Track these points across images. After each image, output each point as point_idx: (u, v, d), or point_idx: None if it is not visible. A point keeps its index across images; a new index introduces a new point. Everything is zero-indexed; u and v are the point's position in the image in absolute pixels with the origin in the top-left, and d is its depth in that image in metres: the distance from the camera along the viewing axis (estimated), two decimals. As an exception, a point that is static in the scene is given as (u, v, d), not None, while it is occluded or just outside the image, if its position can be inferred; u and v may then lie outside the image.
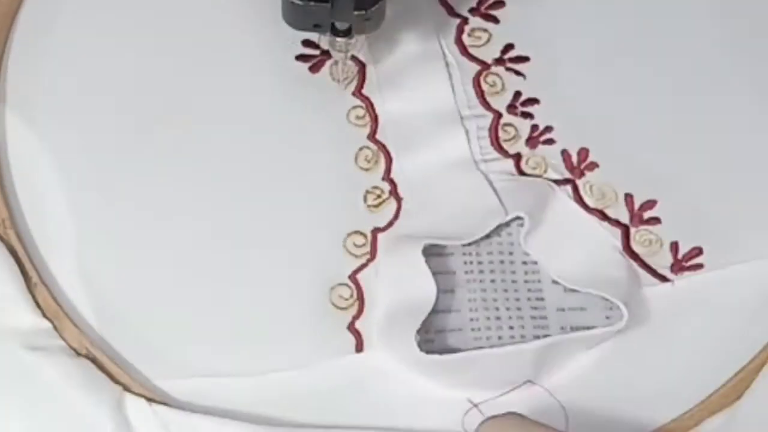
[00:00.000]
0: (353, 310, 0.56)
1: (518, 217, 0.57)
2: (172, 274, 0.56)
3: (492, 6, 0.63)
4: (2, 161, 0.58)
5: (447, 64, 0.62)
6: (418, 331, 0.55)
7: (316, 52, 0.62)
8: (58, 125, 0.59)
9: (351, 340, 0.56)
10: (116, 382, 0.53)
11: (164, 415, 0.52)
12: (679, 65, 0.62)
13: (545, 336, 0.55)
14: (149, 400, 0.53)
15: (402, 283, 0.56)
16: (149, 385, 0.54)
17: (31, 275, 0.55)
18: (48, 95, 0.59)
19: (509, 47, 0.62)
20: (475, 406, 0.54)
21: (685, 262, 0.58)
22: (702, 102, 0.61)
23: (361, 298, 0.56)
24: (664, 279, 0.57)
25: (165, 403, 0.53)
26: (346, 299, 0.56)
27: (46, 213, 0.57)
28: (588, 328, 0.56)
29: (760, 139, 0.60)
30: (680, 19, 0.62)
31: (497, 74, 0.62)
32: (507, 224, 0.58)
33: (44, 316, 0.54)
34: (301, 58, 0.62)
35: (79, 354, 0.54)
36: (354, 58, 0.61)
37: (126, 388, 0.53)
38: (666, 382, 0.55)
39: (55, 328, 0.54)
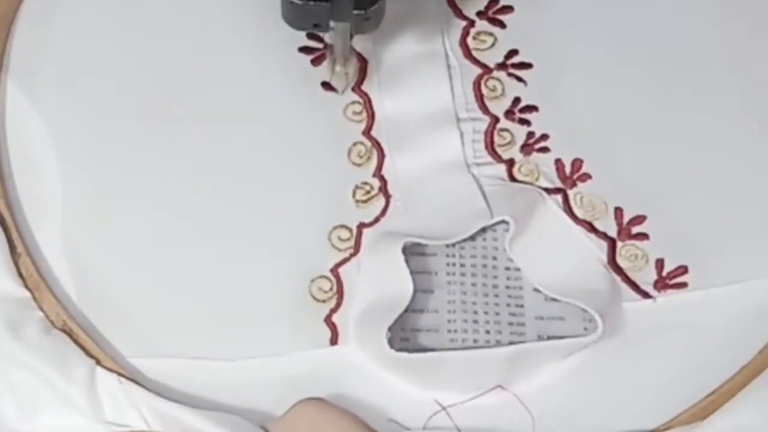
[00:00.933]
0: (332, 303, 0.60)
1: (504, 222, 0.60)
2: (156, 256, 0.61)
3: (500, 10, 0.67)
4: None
5: (449, 66, 0.65)
6: (393, 329, 0.59)
7: (320, 45, 0.65)
8: (57, 100, 0.64)
9: (327, 332, 0.60)
10: (90, 356, 0.57)
11: (134, 395, 0.56)
12: (684, 84, 0.66)
13: (521, 342, 0.58)
14: (120, 375, 0.56)
15: (380, 280, 0.60)
16: (123, 363, 0.58)
17: (17, 245, 0.60)
18: (51, 69, 0.64)
19: (513, 53, 0.66)
20: (444, 409, 0.57)
21: (669, 279, 0.61)
22: (702, 122, 0.64)
23: (340, 292, 0.60)
24: (646, 295, 0.61)
25: (136, 381, 0.57)
26: (326, 292, 0.60)
27: (38, 185, 0.62)
28: (565, 337, 0.58)
29: (756, 163, 0.63)
30: (686, 38, 0.66)
31: (498, 79, 0.65)
32: (493, 229, 0.62)
33: (25, 286, 0.58)
34: (304, 50, 0.65)
35: (55, 326, 0.58)
36: (357, 54, 0.65)
37: (99, 363, 0.56)
38: (636, 397, 0.59)
39: (34, 298, 0.58)
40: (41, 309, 0.58)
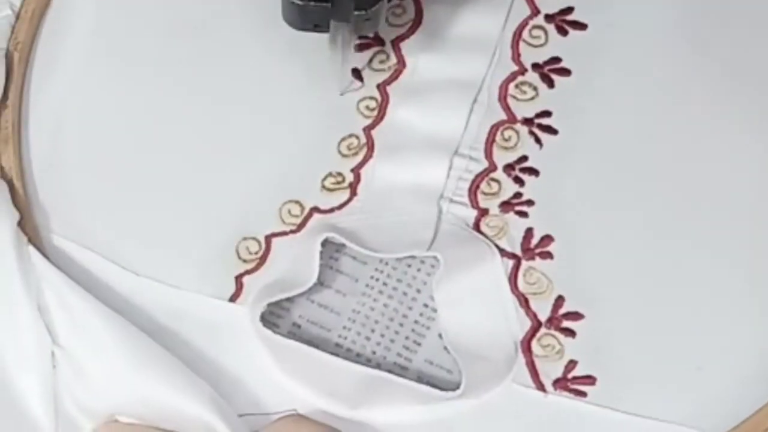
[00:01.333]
0: (250, 266, 0.63)
1: (435, 258, 0.61)
2: (125, 159, 0.65)
3: (557, 70, 0.67)
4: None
5: (476, 101, 0.66)
6: (292, 312, 0.62)
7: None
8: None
9: (231, 288, 0.62)
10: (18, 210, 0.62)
11: (33, 257, 0.60)
12: (695, 213, 0.64)
13: (398, 375, 0.59)
14: (30, 240, 0.61)
15: (294, 262, 0.62)
16: (45, 234, 0.62)
17: (10, 96, 0.65)
18: None
19: (546, 114, 0.66)
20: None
21: (572, 383, 0.60)
22: (686, 262, 0.62)
23: (263, 259, 0.63)
24: (541, 387, 0.59)
25: (44, 254, 0.61)
26: (251, 253, 0.63)
27: (58, 56, 0.67)
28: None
29: (719, 322, 0.61)
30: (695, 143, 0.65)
31: (517, 132, 0.65)
32: (432, 264, 0.62)
33: (-7, 132, 0.64)
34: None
35: (3, 177, 0.63)
36: (400, 56, 0.67)
37: (20, 222, 0.61)
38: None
39: (-5, 145, 0.64)
40: (-1, 157, 0.64)
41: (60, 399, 0.59)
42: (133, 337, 0.59)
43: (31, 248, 0.61)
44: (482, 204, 0.64)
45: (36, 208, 0.63)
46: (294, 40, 0.65)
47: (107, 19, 0.68)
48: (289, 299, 0.61)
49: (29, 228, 0.62)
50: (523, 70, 0.67)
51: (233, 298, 0.62)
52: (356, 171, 0.65)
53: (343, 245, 0.62)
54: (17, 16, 0.66)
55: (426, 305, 0.62)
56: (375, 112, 0.66)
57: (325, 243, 0.62)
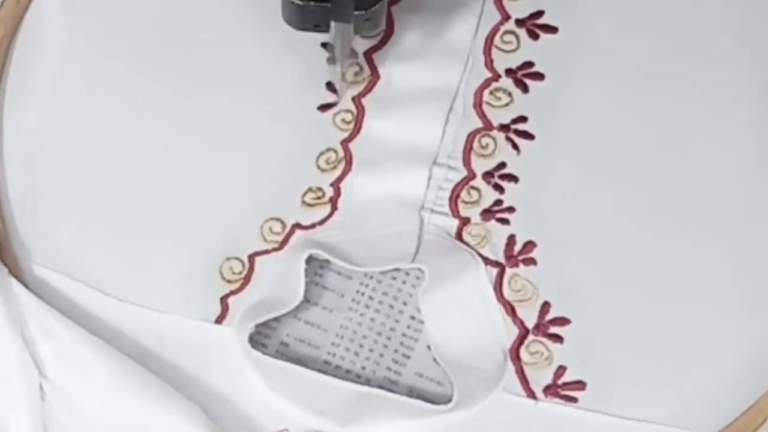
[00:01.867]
0: (235, 286, 0.63)
1: (422, 270, 0.61)
2: (103, 183, 0.65)
3: (530, 75, 0.67)
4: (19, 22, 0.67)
5: (452, 109, 0.65)
6: (278, 331, 0.62)
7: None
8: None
9: (217, 310, 0.62)
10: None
11: (21, 296, 0.60)
12: (674, 216, 0.64)
13: (389, 390, 0.59)
14: (10, 272, 0.60)
15: (280, 281, 0.62)
16: (25, 264, 0.62)
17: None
18: None
19: (522, 119, 0.66)
20: None
21: (563, 390, 0.60)
22: (673, 259, 0.63)
23: (247, 279, 0.63)
24: (532, 395, 0.60)
25: (25, 285, 0.61)
26: (235, 274, 0.63)
27: (29, 83, 0.66)
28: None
29: (705, 323, 0.61)
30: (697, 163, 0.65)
31: (494, 139, 0.66)
32: (416, 276, 0.63)
33: (-31, 164, 0.63)
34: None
35: (-20, 209, 0.62)
36: (373, 68, 0.66)
37: (-1, 254, 0.61)
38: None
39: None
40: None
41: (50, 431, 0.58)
42: (121, 364, 0.59)
43: (12, 280, 0.60)
44: (463, 213, 0.64)
45: (14, 239, 0.63)
46: (272, 56, 0.66)
47: (78, 43, 0.67)
48: (275, 317, 0.61)
49: (8, 259, 0.62)
50: (496, 77, 0.67)
51: (219, 320, 0.62)
52: (336, 185, 0.65)
53: (328, 261, 0.62)
54: (-15, 43, 0.66)
55: (413, 317, 0.62)
56: (351, 125, 0.66)
57: (309, 259, 0.61)
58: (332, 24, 0.61)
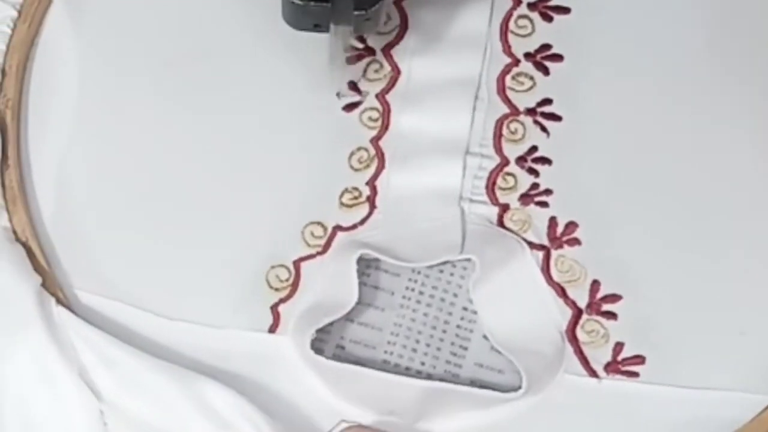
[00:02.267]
0: (283, 293, 0.62)
1: (470, 260, 0.61)
2: (139, 203, 0.64)
3: (549, 57, 0.67)
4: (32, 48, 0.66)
5: (477, 97, 0.66)
6: (333, 334, 0.61)
7: (359, 45, 0.67)
8: (95, 31, 0.67)
9: (269, 319, 0.62)
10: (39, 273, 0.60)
11: (66, 320, 0.59)
12: (712, 178, 0.64)
13: (451, 382, 0.59)
14: (58, 301, 0.59)
15: (331, 284, 0.61)
16: (69, 293, 0.61)
17: (9, 156, 0.63)
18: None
19: (547, 101, 0.66)
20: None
21: (623, 365, 0.60)
22: (712, 228, 0.63)
23: (295, 285, 0.62)
24: (593, 374, 0.60)
25: (71, 310, 0.60)
26: (282, 281, 0.62)
27: (50, 108, 0.65)
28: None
29: (752, 281, 0.62)
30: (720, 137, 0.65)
31: (522, 123, 0.66)
32: (463, 266, 0.63)
33: (3, 195, 0.62)
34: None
35: (18, 239, 0.61)
36: (393, 64, 0.66)
37: (43, 283, 0.60)
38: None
39: (7, 209, 0.62)
40: (10, 221, 0.62)
41: None
42: (180, 377, 0.58)
43: (61, 309, 0.59)
44: (502, 200, 0.64)
45: (56, 268, 0.62)
46: (292, 56, 0.66)
47: (93, 61, 0.66)
48: (329, 322, 0.61)
49: (54, 289, 0.61)
50: (516, 61, 0.67)
51: (272, 329, 0.61)
52: (371, 184, 0.64)
53: (373, 260, 0.62)
54: (2, 72, 0.65)
55: (465, 308, 0.62)
56: (379, 123, 0.66)
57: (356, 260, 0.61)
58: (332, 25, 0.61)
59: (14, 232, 0.62)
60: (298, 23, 0.61)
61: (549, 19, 0.68)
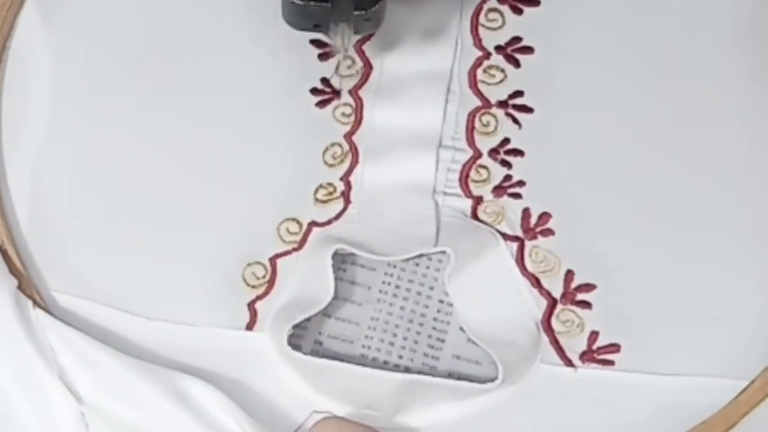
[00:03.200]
0: (260, 290, 0.62)
1: (445, 252, 0.61)
2: (116, 204, 0.64)
3: (520, 49, 0.67)
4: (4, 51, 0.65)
5: (449, 90, 0.66)
6: (310, 330, 0.61)
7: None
8: (68, 30, 0.66)
9: (246, 316, 0.62)
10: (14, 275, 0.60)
11: (43, 322, 0.58)
12: (680, 175, 0.64)
13: (428, 374, 0.59)
14: (35, 304, 0.59)
15: (307, 280, 0.61)
16: (46, 295, 0.61)
17: (-16, 159, 0.63)
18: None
19: (518, 94, 0.66)
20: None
21: (598, 354, 0.60)
22: (685, 215, 0.63)
23: (272, 282, 0.62)
24: (569, 363, 0.60)
25: (49, 312, 0.59)
26: (258, 278, 0.62)
27: (24, 109, 0.65)
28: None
29: (727, 267, 0.62)
30: (700, 125, 0.65)
31: (494, 116, 0.66)
32: (439, 259, 0.63)
33: (-25, 199, 0.62)
34: (314, 43, 0.67)
35: (-8, 244, 0.61)
36: (365, 59, 0.66)
37: (20, 286, 0.59)
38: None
39: (-20, 211, 0.61)
40: (-16, 225, 0.62)
41: None
42: (165, 376, 0.58)
43: (39, 311, 0.59)
44: (475, 192, 0.64)
45: (32, 270, 0.61)
46: (263, 53, 0.65)
47: (67, 63, 0.66)
48: (306, 318, 0.61)
49: (30, 291, 0.60)
50: (487, 55, 0.67)
51: (249, 326, 0.61)
52: (345, 179, 0.64)
53: (349, 255, 0.62)
54: (-28, 79, 0.65)
55: (441, 301, 0.62)
56: (352, 118, 0.66)
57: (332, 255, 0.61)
58: (332, 25, 0.60)
59: (-11, 237, 0.62)
60: (298, 23, 0.61)
61: (519, 11, 0.68)
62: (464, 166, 0.65)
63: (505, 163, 0.65)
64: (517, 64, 0.67)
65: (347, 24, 0.60)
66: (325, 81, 0.66)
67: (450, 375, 0.60)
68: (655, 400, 0.59)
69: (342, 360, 0.60)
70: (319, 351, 0.61)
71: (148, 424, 0.57)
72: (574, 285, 0.62)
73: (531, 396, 0.59)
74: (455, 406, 0.59)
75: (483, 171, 0.65)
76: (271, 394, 0.60)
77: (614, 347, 0.61)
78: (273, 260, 0.62)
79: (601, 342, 0.61)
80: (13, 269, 0.60)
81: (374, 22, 0.61)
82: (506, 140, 0.65)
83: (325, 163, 0.65)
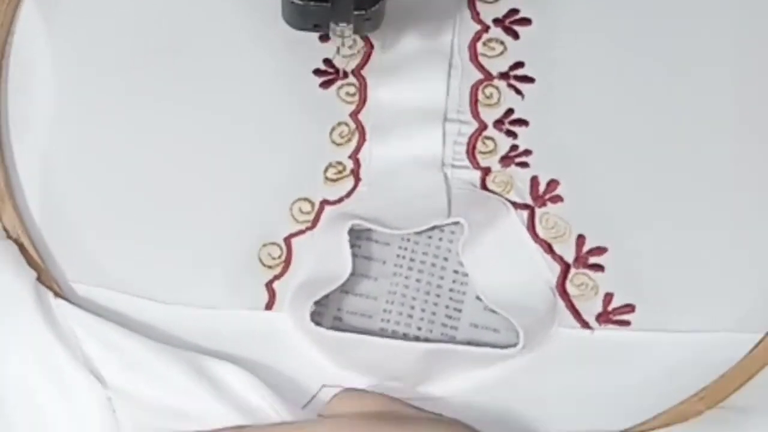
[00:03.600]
0: (277, 270, 0.62)
1: (458, 223, 0.61)
2: (126, 192, 0.64)
3: (518, 21, 0.68)
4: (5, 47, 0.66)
5: (451, 65, 0.66)
6: (329, 307, 0.62)
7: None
8: (71, 23, 0.67)
9: (264, 296, 0.62)
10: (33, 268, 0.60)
11: (66, 311, 0.59)
12: (683, 134, 0.65)
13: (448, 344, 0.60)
14: (56, 294, 0.59)
15: (324, 257, 0.62)
16: (65, 285, 0.61)
17: (-6, 154, 0.63)
18: None
19: (519, 65, 0.67)
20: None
21: (614, 315, 0.61)
22: (692, 173, 0.64)
23: (288, 261, 0.62)
24: (586, 325, 0.61)
25: (70, 301, 0.60)
26: (274, 258, 0.62)
27: (30, 103, 0.65)
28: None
29: (734, 221, 0.63)
30: (695, 91, 0.66)
31: (497, 87, 0.66)
32: (451, 230, 0.63)
33: (-10, 193, 0.62)
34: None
35: (9, 236, 0.61)
36: (365, 37, 0.67)
37: (39, 278, 0.60)
38: (549, 422, 0.59)
39: (-6, 206, 0.62)
40: (0, 219, 0.62)
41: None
42: (190, 359, 0.58)
43: (60, 301, 0.59)
44: (483, 163, 0.65)
45: (50, 262, 0.62)
46: (266, 40, 0.66)
47: (69, 58, 0.66)
48: (324, 294, 0.61)
49: (49, 283, 0.61)
50: (486, 28, 0.68)
51: (269, 306, 0.62)
52: (354, 157, 0.65)
53: (362, 231, 0.62)
54: (-25, 76, 0.65)
55: (456, 271, 0.62)
56: (356, 97, 0.66)
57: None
58: (332, 25, 0.61)
59: (5, 230, 0.62)
60: (298, 23, 0.61)
61: (515, -16, 0.69)
62: (470, 138, 0.65)
63: (511, 133, 0.65)
64: (516, 35, 0.68)
65: (347, 24, 0.61)
66: (327, 61, 0.67)
67: (469, 343, 0.61)
68: (673, 358, 0.60)
69: (362, 334, 0.60)
70: (339, 327, 0.61)
71: (176, 406, 0.58)
72: (585, 249, 0.63)
73: (550, 359, 0.60)
74: (477, 373, 0.60)
75: (489, 142, 0.65)
76: (294, 371, 0.60)
77: (629, 308, 0.61)
78: (288, 240, 0.63)
79: (615, 303, 0.61)
80: (31, 262, 0.61)
81: (374, 22, 0.61)
82: (510, 111, 0.66)
83: (333, 142, 0.65)
